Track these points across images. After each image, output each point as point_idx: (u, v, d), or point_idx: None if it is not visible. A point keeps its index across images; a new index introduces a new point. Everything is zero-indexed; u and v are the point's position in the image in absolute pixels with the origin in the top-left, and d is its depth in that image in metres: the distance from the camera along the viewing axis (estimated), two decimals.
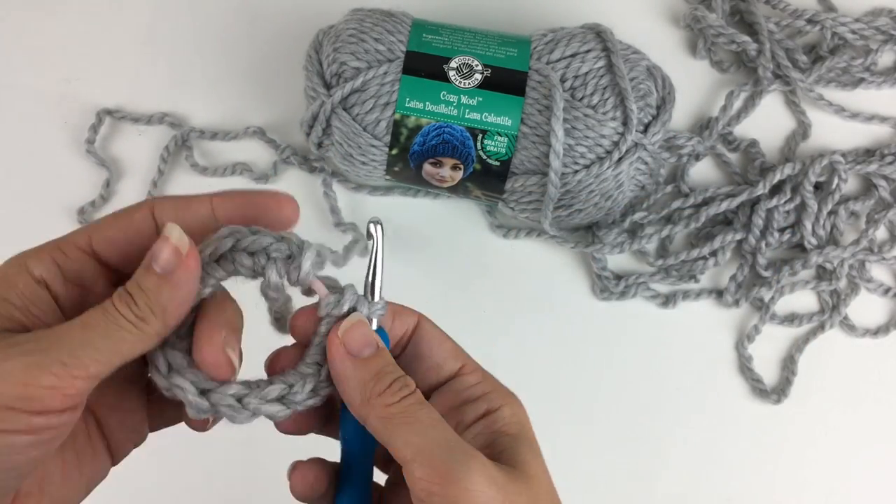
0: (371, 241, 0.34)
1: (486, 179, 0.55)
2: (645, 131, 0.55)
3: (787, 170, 0.60)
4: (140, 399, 0.34)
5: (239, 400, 0.31)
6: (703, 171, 0.63)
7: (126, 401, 0.34)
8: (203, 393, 0.31)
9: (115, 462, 0.34)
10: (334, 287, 0.34)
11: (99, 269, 0.32)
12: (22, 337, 0.28)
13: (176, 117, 0.62)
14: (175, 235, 0.30)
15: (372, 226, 0.34)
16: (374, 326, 0.34)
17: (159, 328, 0.30)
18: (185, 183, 0.62)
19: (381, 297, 0.34)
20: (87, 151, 0.61)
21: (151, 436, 0.35)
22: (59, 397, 0.27)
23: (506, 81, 0.54)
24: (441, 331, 0.36)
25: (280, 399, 0.32)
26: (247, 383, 0.32)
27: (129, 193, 0.62)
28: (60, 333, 0.28)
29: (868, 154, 0.62)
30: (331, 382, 0.33)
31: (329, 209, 0.61)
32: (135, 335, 0.29)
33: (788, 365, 0.60)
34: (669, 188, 0.62)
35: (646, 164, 0.56)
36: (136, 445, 0.35)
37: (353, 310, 0.33)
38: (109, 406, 0.33)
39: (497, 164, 0.54)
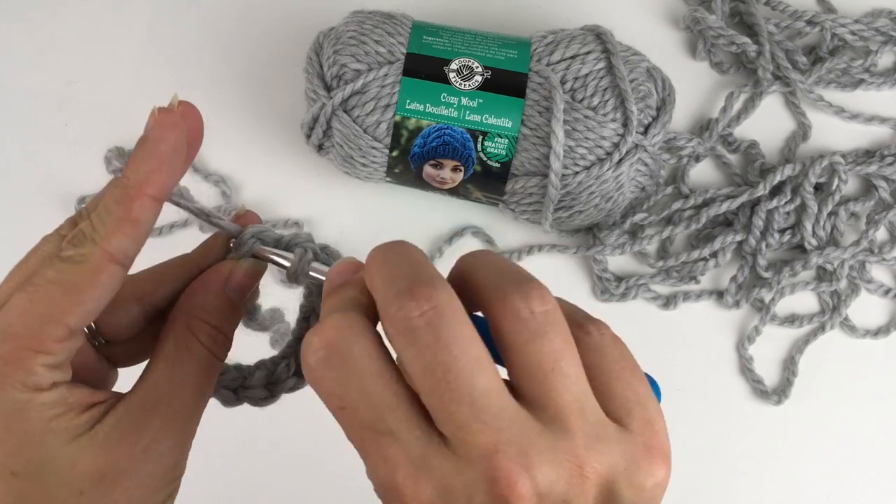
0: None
1: (487, 181, 0.55)
2: (645, 133, 0.55)
3: (788, 171, 0.60)
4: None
5: (234, 391, 0.34)
6: (703, 173, 0.63)
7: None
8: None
9: None
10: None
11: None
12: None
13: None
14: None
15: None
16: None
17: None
18: None
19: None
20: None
21: None
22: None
23: (506, 83, 0.54)
24: None
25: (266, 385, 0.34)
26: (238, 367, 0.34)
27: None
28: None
29: (868, 155, 0.62)
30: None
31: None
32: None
33: (789, 366, 0.60)
34: (670, 189, 0.62)
35: (646, 165, 0.56)
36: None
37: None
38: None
39: (497, 165, 0.55)
